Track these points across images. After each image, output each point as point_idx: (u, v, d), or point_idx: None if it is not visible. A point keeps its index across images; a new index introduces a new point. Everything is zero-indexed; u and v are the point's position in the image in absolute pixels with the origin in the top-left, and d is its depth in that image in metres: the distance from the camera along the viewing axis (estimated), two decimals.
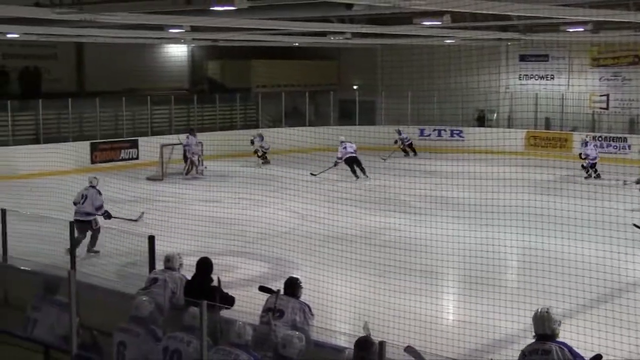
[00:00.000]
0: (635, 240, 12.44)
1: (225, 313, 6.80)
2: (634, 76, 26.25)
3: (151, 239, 8.42)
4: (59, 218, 12.77)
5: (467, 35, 22.46)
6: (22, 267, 8.77)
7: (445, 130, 28.75)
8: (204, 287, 7.43)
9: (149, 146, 23.21)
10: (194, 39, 25.22)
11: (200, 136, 24.42)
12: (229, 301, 7.25)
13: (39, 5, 13.04)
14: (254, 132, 26.12)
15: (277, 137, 23.72)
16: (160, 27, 18.81)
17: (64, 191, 16.64)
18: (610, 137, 25.70)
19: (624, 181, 18.92)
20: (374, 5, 14.09)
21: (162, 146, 22.46)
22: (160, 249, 8.57)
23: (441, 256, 12.02)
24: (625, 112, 26.57)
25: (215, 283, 7.40)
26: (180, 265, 7.93)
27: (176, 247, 9.23)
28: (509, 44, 27.33)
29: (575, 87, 26.64)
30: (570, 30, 20.95)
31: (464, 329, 8.80)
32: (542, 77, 28.30)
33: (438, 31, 20.62)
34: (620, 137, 25.56)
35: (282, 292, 7.01)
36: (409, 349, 5.80)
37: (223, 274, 7.87)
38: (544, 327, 5.79)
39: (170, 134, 25.26)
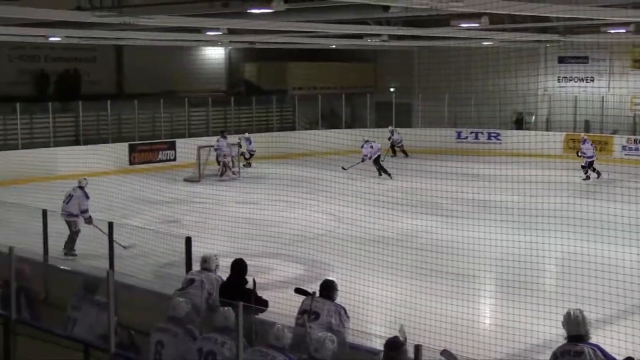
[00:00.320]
0: None
1: (260, 315, 6.82)
2: None
3: (188, 240, 8.48)
4: (96, 218, 12.96)
5: (505, 37, 22.27)
6: (62, 267, 8.89)
7: (482, 132, 28.53)
8: (238, 288, 7.46)
9: (186, 148, 23.42)
10: (231, 42, 25.38)
11: (237, 139, 24.59)
12: (263, 304, 7.27)
13: (80, 8, 13.23)
14: (238, 135, 25.45)
15: (314, 139, 23.76)
16: (197, 30, 18.95)
17: (103, 192, 16.86)
18: None
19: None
20: (411, 8, 14.03)
21: (199, 148, 22.64)
22: (197, 250, 8.63)
23: (477, 259, 11.93)
24: None
25: (250, 285, 7.43)
26: (217, 266, 7.97)
27: (213, 249, 9.29)
28: (548, 45, 27.03)
29: (616, 89, 26.24)
30: (612, 31, 20.64)
31: (501, 332, 8.71)
32: (581, 80, 27.93)
33: (476, 33, 20.49)
34: None
35: (317, 294, 7.01)
36: (445, 353, 5.76)
37: (259, 276, 7.91)
38: (578, 328, 5.70)
39: (208, 135, 25.47)
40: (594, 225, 12.26)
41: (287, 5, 12.13)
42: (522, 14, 15.66)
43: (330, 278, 7.46)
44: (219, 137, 23.38)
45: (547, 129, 27.57)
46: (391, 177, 21.87)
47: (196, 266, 8.19)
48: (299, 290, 7.18)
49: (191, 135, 26.14)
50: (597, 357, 5.55)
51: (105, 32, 18.30)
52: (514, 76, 24.70)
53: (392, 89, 30.82)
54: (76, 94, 26.42)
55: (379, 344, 6.42)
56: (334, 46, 27.52)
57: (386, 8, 14.08)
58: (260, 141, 25.70)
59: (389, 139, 26.53)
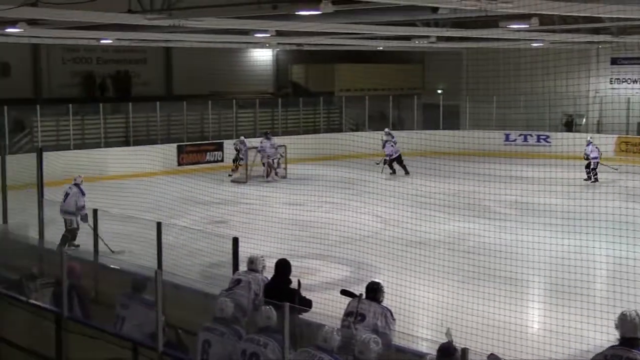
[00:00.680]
0: None
1: (305, 315, 6.83)
2: None
3: (235, 241, 8.52)
4: (145, 218, 13.12)
5: (556, 39, 21.94)
6: (111, 266, 9.02)
7: (531, 135, 28.16)
8: (282, 288, 7.48)
9: (234, 149, 23.59)
10: (279, 43, 25.49)
11: (284, 139, 24.68)
12: (307, 304, 7.28)
13: (131, 11, 13.41)
14: (232, 140, 24.66)
15: (360, 141, 23.73)
16: (246, 32, 19.07)
17: (151, 192, 17.08)
18: None
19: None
20: (459, 9, 13.91)
21: (247, 149, 22.79)
22: (244, 250, 8.67)
23: (526, 263, 11.76)
24: None
25: (294, 285, 7.45)
26: (263, 267, 8.00)
27: (259, 249, 9.33)
28: (600, 46, 26.54)
29: None
30: None
31: (550, 338, 8.58)
32: (635, 81, 27.38)
33: (525, 34, 20.22)
34: None
35: (363, 296, 6.99)
36: (492, 357, 5.70)
37: (305, 277, 7.92)
38: (635, 331, 5.40)
39: (255, 137, 25.61)
40: None
41: (335, 7, 12.11)
42: (574, 14, 15.40)
43: (377, 280, 7.44)
44: (263, 138, 23.52)
45: (598, 132, 27.08)
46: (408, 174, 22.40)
47: (243, 267, 8.23)
48: (345, 292, 7.17)
49: (238, 137, 26.31)
50: None
51: (155, 34, 18.54)
52: (565, 78, 24.33)
53: (439, 91, 30.61)
54: (127, 96, 26.85)
55: (425, 347, 6.39)
56: (381, 48, 27.43)
57: (435, 9, 13.97)
58: (307, 143, 25.73)
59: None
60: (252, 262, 7.98)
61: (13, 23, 14.85)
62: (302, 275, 7.81)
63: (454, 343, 5.52)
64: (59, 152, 21.88)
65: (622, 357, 5.32)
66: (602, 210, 12.66)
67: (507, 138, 28.32)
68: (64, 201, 13.52)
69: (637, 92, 27.15)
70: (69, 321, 7.49)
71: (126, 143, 24.60)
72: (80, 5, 11.40)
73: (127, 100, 25.76)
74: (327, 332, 5.88)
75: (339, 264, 12.51)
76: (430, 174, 21.93)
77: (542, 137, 28.01)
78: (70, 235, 13.43)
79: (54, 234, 12.27)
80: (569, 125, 28.34)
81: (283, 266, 7.79)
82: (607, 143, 24.00)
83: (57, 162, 18.39)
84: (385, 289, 7.21)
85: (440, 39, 22.18)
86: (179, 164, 24.37)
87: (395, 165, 23.40)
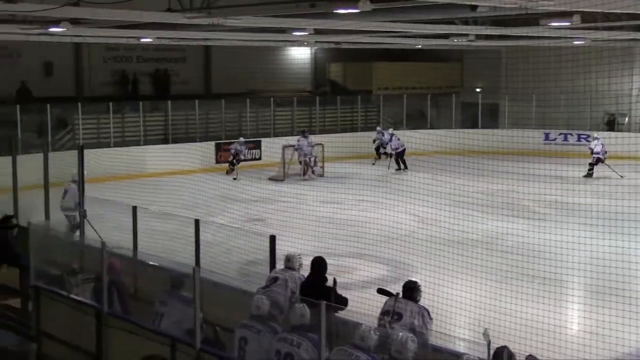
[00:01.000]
0: None
1: (340, 314, 6.83)
2: None
3: (272, 239, 8.55)
4: (183, 216, 13.23)
5: (598, 36, 21.62)
6: (150, 262, 9.11)
7: (572, 134, 27.78)
8: (318, 286, 7.49)
9: (271, 147, 23.68)
10: (317, 42, 25.51)
11: (321, 138, 24.69)
12: (343, 302, 7.28)
13: (171, 10, 13.54)
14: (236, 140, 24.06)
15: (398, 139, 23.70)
16: (284, 30, 19.13)
17: (189, 190, 17.23)
18: None
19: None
20: (499, 7, 13.79)
21: (284, 147, 22.85)
22: (281, 248, 8.70)
23: (566, 264, 11.61)
24: None
25: (330, 283, 7.46)
26: (300, 265, 8.02)
27: (296, 248, 9.35)
28: None
29: None
30: None
31: (589, 340, 8.47)
32: None
33: (566, 32, 19.96)
34: None
35: (400, 295, 6.97)
36: (530, 358, 5.65)
37: (341, 276, 7.93)
38: None
39: (292, 135, 25.67)
40: None
41: (373, 6, 12.09)
42: (617, 11, 15.16)
43: (414, 279, 7.41)
44: (300, 136, 23.56)
45: None
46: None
47: (280, 265, 8.27)
48: (381, 291, 7.16)
49: (276, 135, 26.43)
50: None
51: (194, 33, 18.70)
52: (607, 76, 23.95)
53: (478, 89, 30.36)
54: (166, 94, 27.11)
55: (462, 347, 6.34)
56: (419, 46, 27.32)
57: (474, 7, 13.87)
58: (344, 141, 25.72)
59: (374, 140, 25.87)
60: (289, 260, 8.02)
61: (56, 22, 15.11)
62: (338, 274, 7.82)
63: (491, 343, 5.48)
64: (100, 150, 22.21)
65: None
66: None
67: (546, 137, 27.99)
68: (64, 198, 13.70)
69: None
70: (109, 317, 7.60)
71: (165, 141, 24.83)
72: (120, 4, 11.55)
73: (166, 98, 26.01)
74: (364, 330, 5.88)
75: (375, 262, 12.49)
76: (469, 172, 21.81)
77: (583, 136, 27.61)
78: (75, 230, 13.62)
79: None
80: (611, 125, 27.92)
81: (319, 264, 7.80)
82: None
83: (98, 160, 18.67)
84: (423, 288, 7.18)
85: (479, 37, 22.00)
86: (217, 162, 24.51)
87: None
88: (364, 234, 14.02)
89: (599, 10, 14.99)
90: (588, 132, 27.41)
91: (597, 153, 22.92)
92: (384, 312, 6.89)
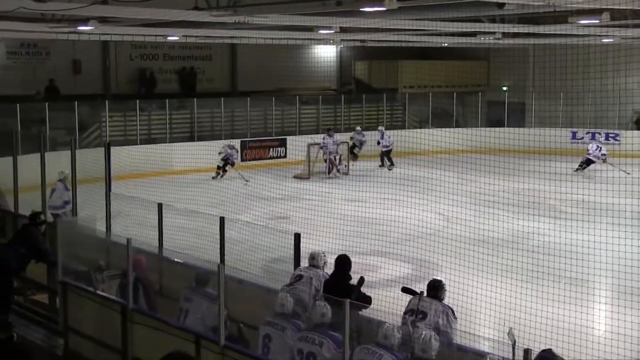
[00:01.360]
0: None
1: (364, 312, 6.83)
2: None
3: (297, 237, 8.57)
4: (208, 213, 13.29)
5: (627, 34, 21.37)
6: (175, 259, 9.17)
7: (599, 133, 27.48)
8: (342, 284, 7.49)
9: (296, 145, 23.71)
10: (342, 40, 25.50)
11: (346, 136, 24.67)
12: (366, 301, 7.27)
13: (198, 8, 13.61)
14: (224, 142, 23.42)
15: (424, 138, 23.55)
16: (310, 28, 19.14)
17: (214, 187, 17.31)
18: None
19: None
20: (526, 4, 13.69)
21: (309, 145, 22.87)
22: (306, 246, 8.72)
23: (592, 264, 11.50)
24: None
25: (354, 281, 7.45)
26: (325, 263, 8.03)
27: (321, 246, 9.36)
28: None
29: None
30: None
31: (617, 341, 8.39)
32: None
33: (595, 30, 19.77)
34: None
35: (425, 294, 6.95)
36: (548, 352, 5.61)
37: (366, 274, 7.91)
38: None
39: (318, 133, 25.69)
40: None
41: (399, 4, 12.06)
42: None
43: (438, 278, 7.39)
44: (325, 134, 23.57)
45: None
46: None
47: (304, 262, 8.28)
48: (406, 290, 7.15)
49: (301, 133, 26.44)
50: None
51: (220, 31, 18.77)
52: (636, 74, 23.70)
53: (504, 88, 30.15)
54: (192, 92, 27.25)
55: (486, 347, 6.31)
56: (445, 44, 27.19)
57: (501, 5, 13.78)
58: (370, 139, 25.74)
59: (378, 141, 25.26)
60: (313, 258, 8.03)
61: (85, 21, 15.25)
62: (363, 272, 7.80)
63: (516, 343, 5.45)
64: (127, 147, 22.37)
65: None
66: None
67: (573, 136, 27.73)
68: (51, 197, 13.81)
69: None
70: (134, 313, 7.66)
71: (191, 138, 24.96)
72: (148, 2, 11.63)
73: (192, 96, 26.14)
74: (387, 329, 5.87)
75: (400, 261, 12.46)
76: (494, 171, 21.71)
77: (611, 135, 27.32)
78: None
79: (121, 227, 12.52)
80: None
81: (343, 262, 7.80)
82: None
83: (124, 157, 18.79)
84: (447, 287, 7.15)
85: (506, 35, 21.86)
86: (243, 160, 24.59)
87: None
88: (388, 232, 14.01)
89: (629, 8, 14.84)
90: (616, 131, 27.15)
91: (589, 154, 23.49)
92: (408, 311, 6.88)
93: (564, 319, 8.81)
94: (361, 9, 13.14)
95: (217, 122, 25.74)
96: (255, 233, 11.61)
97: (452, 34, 22.73)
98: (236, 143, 24.77)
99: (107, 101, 23.98)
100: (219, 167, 22.14)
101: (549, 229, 14.58)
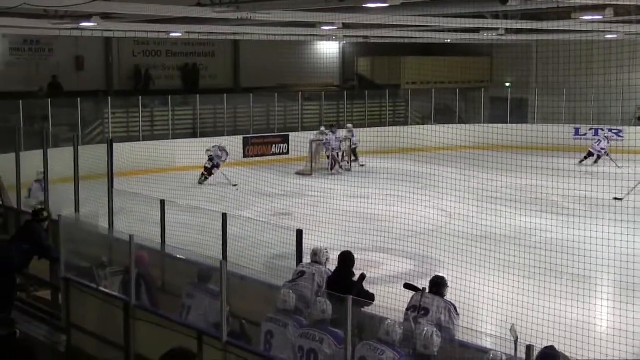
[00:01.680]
0: None
1: (367, 308, 6.83)
2: None
3: (299, 233, 8.58)
4: (211, 209, 13.31)
5: (631, 30, 21.32)
6: (178, 256, 9.18)
7: (602, 129, 27.44)
8: (344, 280, 7.50)
9: (299, 141, 23.70)
10: (345, 36, 25.47)
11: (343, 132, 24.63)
12: (369, 297, 7.27)
13: (201, 5, 13.61)
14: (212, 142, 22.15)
15: (426, 134, 23.55)
16: (312, 25, 19.13)
17: (217, 184, 17.31)
18: None
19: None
20: (530, 0, 13.67)
21: (312, 141, 22.86)
22: (308, 243, 8.73)
23: (594, 260, 11.50)
24: None
25: (356, 278, 7.46)
26: (327, 259, 8.03)
27: (323, 242, 9.37)
28: None
29: None
30: None
31: (618, 337, 8.39)
32: None
33: (599, 26, 19.72)
34: None
35: (427, 290, 6.96)
36: (550, 349, 5.62)
37: (368, 270, 7.92)
38: None
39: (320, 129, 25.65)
40: None
41: (402, 0, 12.05)
42: None
43: (441, 274, 7.39)
44: (329, 131, 23.53)
45: None
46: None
47: (307, 259, 8.29)
48: (408, 286, 7.15)
49: (304, 129, 26.42)
50: None
51: (223, 27, 18.76)
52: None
53: (507, 84, 30.11)
54: (194, 88, 27.25)
55: (489, 343, 6.32)
56: (448, 40, 27.14)
57: (504, 1, 13.76)
58: (372, 135, 25.68)
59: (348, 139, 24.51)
60: (315, 254, 8.03)
61: (87, 17, 15.27)
62: (365, 269, 7.81)
63: (518, 340, 5.46)
64: (129, 144, 22.39)
65: None
66: None
67: (576, 132, 27.69)
68: (28, 197, 13.83)
69: None
70: (137, 309, 7.67)
71: (193, 135, 24.97)
72: None
73: (195, 92, 26.14)
74: (389, 325, 5.88)
75: (402, 257, 12.47)
76: (497, 168, 21.67)
77: (614, 131, 27.27)
78: None
79: (123, 223, 12.54)
80: None
81: (346, 258, 7.81)
82: None
83: (127, 153, 18.81)
84: (450, 284, 7.16)
85: (509, 31, 21.83)
86: (245, 156, 24.60)
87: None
88: (391, 228, 14.00)
89: (633, 4, 14.81)
90: (619, 127, 27.10)
91: (593, 148, 24.40)
92: (411, 307, 6.88)
93: (567, 315, 8.82)
94: (364, 5, 13.14)
95: (219, 119, 25.74)
96: (257, 229, 11.62)
97: (455, 30, 22.69)
98: (239, 139, 24.79)
99: (109, 97, 23.99)
100: (205, 169, 20.95)
101: (552, 225, 14.57)
